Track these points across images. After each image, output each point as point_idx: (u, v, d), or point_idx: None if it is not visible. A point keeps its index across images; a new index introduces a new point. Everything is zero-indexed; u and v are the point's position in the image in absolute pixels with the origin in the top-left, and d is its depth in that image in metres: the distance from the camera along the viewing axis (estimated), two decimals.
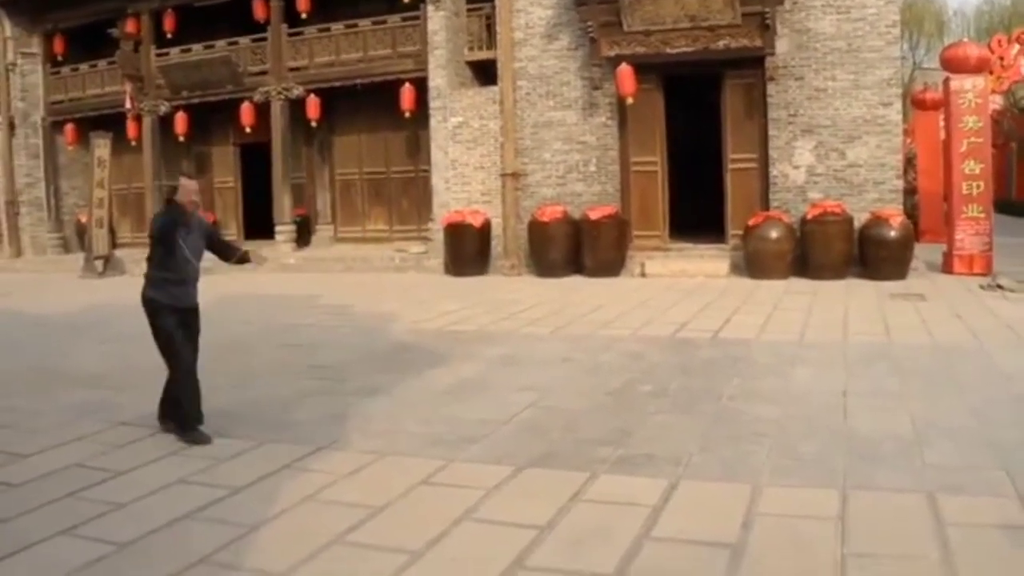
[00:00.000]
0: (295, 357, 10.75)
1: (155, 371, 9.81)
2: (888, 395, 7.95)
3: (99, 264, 22.80)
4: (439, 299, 15.39)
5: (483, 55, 20.98)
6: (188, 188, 7.50)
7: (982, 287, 14.85)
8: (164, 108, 24.45)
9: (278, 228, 23.13)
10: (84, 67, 26.53)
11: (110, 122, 24.92)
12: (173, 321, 7.31)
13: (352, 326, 13.02)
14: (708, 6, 16.89)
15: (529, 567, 4.60)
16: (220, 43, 23.38)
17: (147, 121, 24.77)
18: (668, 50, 17.59)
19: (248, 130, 23.29)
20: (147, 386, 9.06)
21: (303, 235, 23.99)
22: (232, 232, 26.09)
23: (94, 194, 23.08)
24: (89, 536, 5.18)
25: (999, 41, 18.61)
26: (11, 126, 26.90)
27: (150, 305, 7.29)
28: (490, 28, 20.75)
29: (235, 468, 6.35)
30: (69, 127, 26.31)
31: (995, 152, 30.23)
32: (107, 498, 5.81)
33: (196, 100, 24.11)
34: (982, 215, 16.96)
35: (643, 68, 17.92)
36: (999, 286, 14.69)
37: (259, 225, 24.88)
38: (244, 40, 23.29)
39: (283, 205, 23.11)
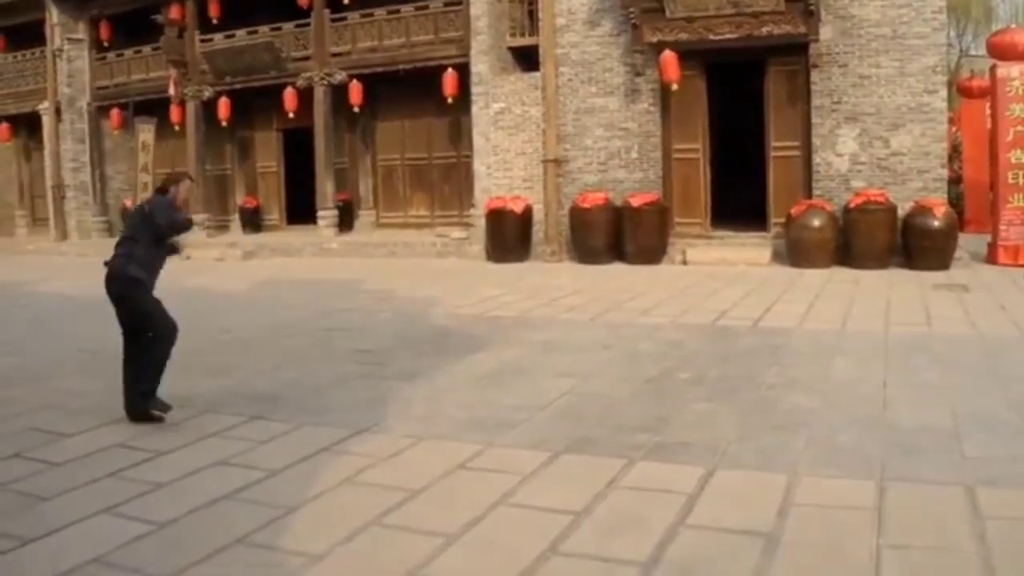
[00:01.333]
0: (336, 341, 10.80)
1: (195, 353, 9.95)
2: (928, 387, 7.88)
3: None
4: (480, 284, 15.42)
5: (525, 41, 20.96)
6: (191, 190, 7.96)
7: None
8: (208, 93, 24.69)
9: (320, 213, 23.26)
10: (129, 53, 26.88)
11: (154, 107, 25.24)
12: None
13: (393, 311, 13.08)
14: None
15: (563, 553, 4.61)
16: (263, 28, 23.58)
17: (191, 106, 25.02)
18: (711, 36, 17.50)
19: (291, 115, 23.43)
20: (188, 368, 9.17)
21: (345, 220, 24.11)
22: (274, 217, 26.31)
23: (138, 178, 23.41)
24: (129, 515, 5.24)
25: None
26: (57, 111, 27.28)
27: (138, 284, 7.39)
28: (532, 14, 20.73)
29: (274, 450, 6.41)
30: (114, 112, 26.61)
31: None
32: (148, 478, 5.88)
33: (239, 85, 24.34)
34: None
35: (685, 54, 17.85)
36: None
37: (301, 210, 25.06)
38: (287, 25, 23.46)
39: (325, 190, 23.24)
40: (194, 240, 23.71)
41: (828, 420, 6.85)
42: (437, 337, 10.85)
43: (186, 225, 7.56)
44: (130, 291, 7.37)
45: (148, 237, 7.36)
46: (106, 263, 7.41)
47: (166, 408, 7.25)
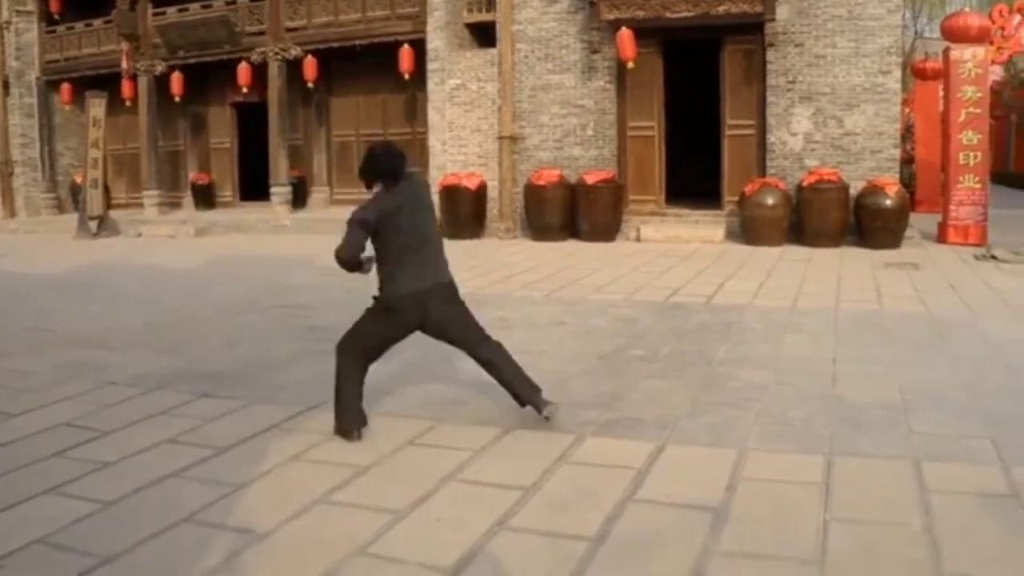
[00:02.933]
0: (288, 318, 10.74)
1: (145, 330, 9.88)
2: (878, 363, 7.95)
3: (93, 225, 22.74)
4: None
5: (482, 17, 20.84)
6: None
7: (976, 257, 14.84)
8: (160, 68, 24.37)
9: (274, 190, 23.06)
10: (80, 26, 26.42)
11: (106, 82, 24.83)
12: None
13: (346, 288, 12.95)
14: None
15: (512, 528, 4.62)
16: (218, 3, 23.32)
17: (143, 81, 24.69)
18: (668, 14, 17.48)
19: (245, 91, 23.23)
20: (138, 346, 9.13)
21: (299, 197, 23.95)
22: (228, 193, 26.08)
23: (89, 154, 23.03)
24: (75, 495, 5.20)
25: (1000, 11, 18.47)
26: (5, 85, 26.84)
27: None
28: None
29: (223, 428, 6.37)
30: (64, 87, 26.25)
31: (994, 124, 30.27)
32: (94, 457, 5.82)
33: (193, 60, 24.04)
34: (978, 186, 16.92)
35: (642, 32, 17.83)
36: (993, 257, 14.69)
37: (255, 187, 24.85)
38: (242, 0, 23.15)
39: (279, 167, 23.04)
40: (146, 216, 23.55)
41: (778, 396, 6.90)
42: None
43: None
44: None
45: None
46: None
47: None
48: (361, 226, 6.06)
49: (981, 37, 17.23)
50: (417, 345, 7.16)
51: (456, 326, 6.29)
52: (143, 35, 24.48)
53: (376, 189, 6.24)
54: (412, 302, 6.11)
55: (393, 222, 6.06)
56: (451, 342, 6.35)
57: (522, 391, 6.23)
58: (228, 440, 6.05)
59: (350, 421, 6.13)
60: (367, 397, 6.48)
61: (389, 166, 6.23)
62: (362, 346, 6.31)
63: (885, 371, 7.65)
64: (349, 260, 6.19)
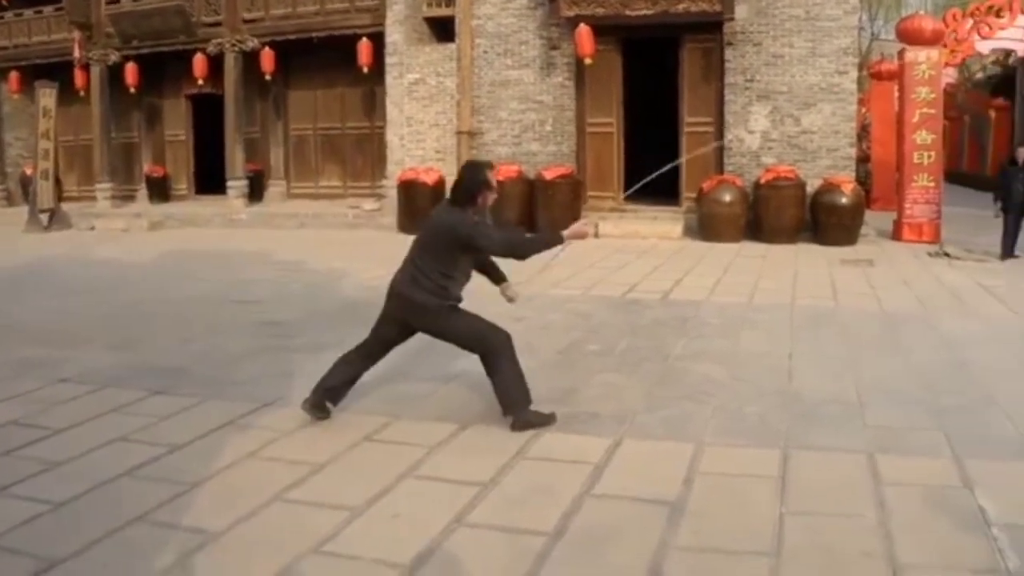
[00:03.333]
0: (244, 313, 10.64)
1: (98, 326, 9.77)
2: (833, 358, 8.03)
3: (44, 218, 22.43)
4: (391, 256, 15.20)
5: (441, 11, 20.81)
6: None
7: (930, 255, 15.01)
8: (114, 58, 24.07)
9: (230, 183, 22.90)
10: (29, 13, 26.02)
11: (57, 71, 24.49)
12: None
13: (303, 282, 12.94)
14: None
15: (469, 524, 4.60)
16: None
17: (96, 71, 24.36)
18: (627, 12, 17.53)
19: (200, 82, 23.01)
20: (90, 342, 9.02)
21: (255, 191, 23.78)
22: (183, 187, 25.84)
23: (39, 145, 22.72)
24: (25, 495, 5.10)
25: (954, 15, 18.71)
26: None
27: None
28: None
29: (177, 425, 6.29)
30: (13, 75, 25.85)
31: (948, 124, 30.55)
32: (44, 456, 5.72)
33: (147, 50, 23.79)
34: (932, 184, 17.11)
35: (602, 29, 17.85)
36: (946, 254, 14.86)
37: (211, 180, 24.64)
38: None
39: (235, 160, 22.88)
40: (98, 209, 23.27)
41: (735, 391, 6.94)
42: (347, 309, 10.75)
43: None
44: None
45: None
46: None
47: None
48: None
49: (935, 40, 17.44)
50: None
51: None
52: (96, 24, 24.14)
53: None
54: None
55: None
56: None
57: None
58: (182, 438, 5.97)
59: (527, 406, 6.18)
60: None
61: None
62: (493, 333, 6.33)
63: (840, 366, 7.73)
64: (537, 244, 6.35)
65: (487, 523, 4.61)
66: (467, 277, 6.36)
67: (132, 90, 24.17)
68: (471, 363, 6.70)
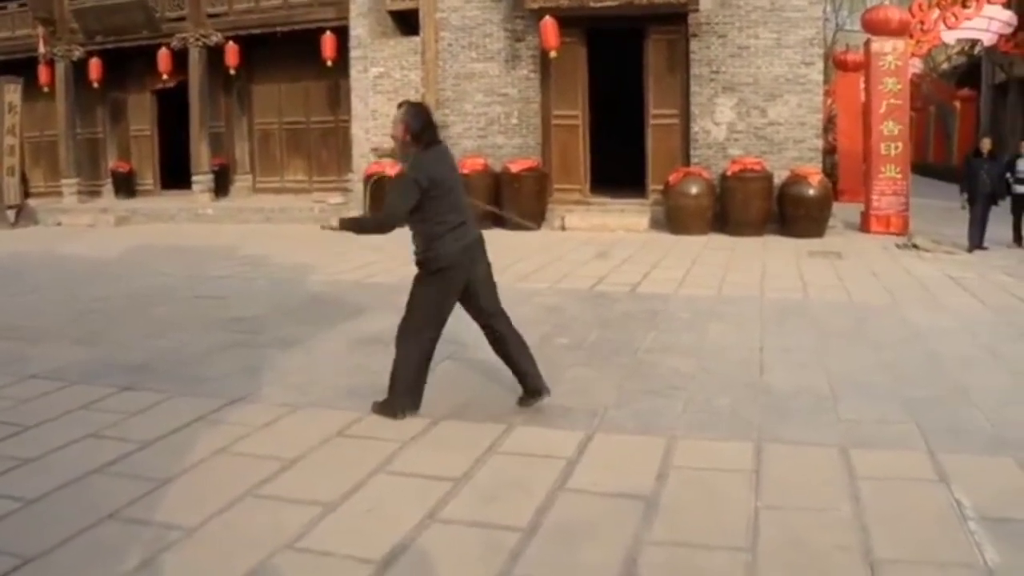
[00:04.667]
0: (211, 309, 10.57)
1: (66, 322, 9.68)
2: (803, 351, 8.06)
3: (11, 214, 22.30)
4: (357, 251, 15.23)
5: (405, 4, 20.72)
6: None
7: (898, 246, 15.13)
8: (78, 53, 23.86)
9: (195, 178, 22.75)
10: None
11: (21, 67, 24.17)
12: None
13: (269, 278, 12.88)
14: None
15: (443, 519, 4.59)
16: None
17: (60, 67, 24.15)
18: (592, 3, 17.51)
19: (165, 77, 22.85)
20: (58, 338, 8.94)
21: (221, 185, 23.66)
22: (148, 182, 25.65)
23: (4, 141, 22.53)
24: None
25: (920, 5, 18.81)
26: None
27: None
28: None
29: (146, 422, 6.24)
30: None
31: (915, 115, 30.80)
32: (14, 453, 5.66)
33: (111, 45, 23.58)
34: (899, 176, 17.23)
35: (566, 21, 17.84)
36: (914, 245, 14.97)
37: (176, 175, 24.46)
38: None
39: (201, 155, 22.73)
40: (65, 205, 23.08)
41: (705, 384, 6.96)
42: (313, 304, 10.71)
43: None
44: None
45: None
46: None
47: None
48: (415, 185, 5.93)
49: (901, 30, 17.57)
50: (335, 337, 7.09)
51: (490, 284, 6.37)
52: (59, 19, 23.91)
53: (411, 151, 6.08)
54: (463, 256, 6.10)
55: (444, 182, 6.02)
56: (476, 306, 6.33)
57: (528, 369, 6.33)
58: (152, 434, 5.93)
59: (402, 403, 6.18)
60: (298, 388, 6.41)
61: (433, 125, 6.20)
62: (424, 323, 6.19)
63: (811, 358, 7.76)
64: (397, 218, 6.09)
65: (460, 519, 4.60)
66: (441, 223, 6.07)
67: (96, 85, 23.92)
68: (439, 356, 6.69)
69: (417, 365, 6.21)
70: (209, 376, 7.47)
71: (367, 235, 6.34)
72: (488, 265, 6.33)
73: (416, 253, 6.18)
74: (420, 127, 6.06)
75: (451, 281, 6.10)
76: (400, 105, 6.27)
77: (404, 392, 6.19)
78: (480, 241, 6.26)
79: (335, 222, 6.31)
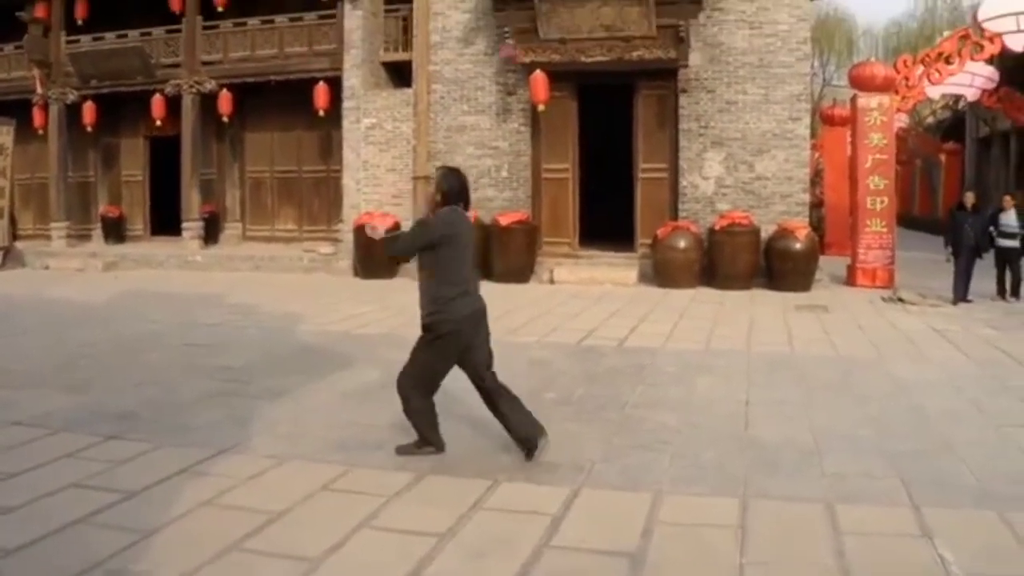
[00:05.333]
0: (199, 358, 10.55)
1: (51, 368, 9.66)
2: (790, 405, 8.09)
3: None
4: (347, 301, 15.30)
5: (399, 56, 20.96)
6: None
7: (884, 300, 15.21)
8: (72, 97, 23.93)
9: (185, 225, 22.79)
10: None
11: (14, 108, 24.22)
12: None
13: (258, 327, 12.87)
14: (624, 17, 16.99)
15: (428, 575, 4.58)
16: (133, 33, 22.99)
17: (54, 109, 24.22)
18: (583, 59, 17.66)
19: (158, 123, 22.89)
20: (43, 384, 8.91)
21: (211, 232, 23.67)
22: (138, 227, 25.64)
23: None
24: None
25: (905, 62, 19.04)
26: None
27: None
28: (407, 30, 20.75)
29: (132, 471, 6.21)
30: None
31: (900, 169, 31.01)
32: None
33: (106, 90, 23.66)
34: (885, 229, 17.35)
35: (557, 76, 17.99)
36: (900, 299, 15.05)
37: (166, 221, 24.50)
38: (158, 31, 22.96)
39: (191, 201, 22.77)
40: (53, 249, 23.04)
41: (692, 439, 6.97)
42: (302, 354, 10.71)
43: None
44: None
45: None
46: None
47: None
48: (427, 230, 6.37)
49: (887, 86, 17.75)
50: (313, 390, 7.08)
51: (487, 348, 6.61)
52: (55, 62, 24.04)
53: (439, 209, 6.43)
54: (468, 323, 6.36)
55: (460, 236, 6.37)
56: (474, 366, 6.50)
57: (520, 419, 6.45)
58: (138, 484, 5.91)
59: (435, 439, 6.59)
60: (286, 440, 6.41)
61: (465, 190, 6.55)
62: (422, 381, 6.50)
63: (797, 412, 7.79)
64: (403, 253, 6.91)
65: (445, 575, 4.60)
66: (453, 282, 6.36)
67: (90, 129, 23.98)
68: None
69: (426, 408, 6.53)
70: (196, 425, 7.46)
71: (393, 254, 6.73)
72: (488, 331, 6.62)
73: (425, 315, 6.34)
74: (456, 189, 6.43)
75: (453, 346, 6.33)
76: (438, 168, 6.78)
77: (429, 429, 6.52)
78: (484, 310, 6.56)
79: (382, 231, 6.88)
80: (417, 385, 6.46)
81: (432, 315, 6.29)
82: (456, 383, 6.80)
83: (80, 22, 23.31)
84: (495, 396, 6.47)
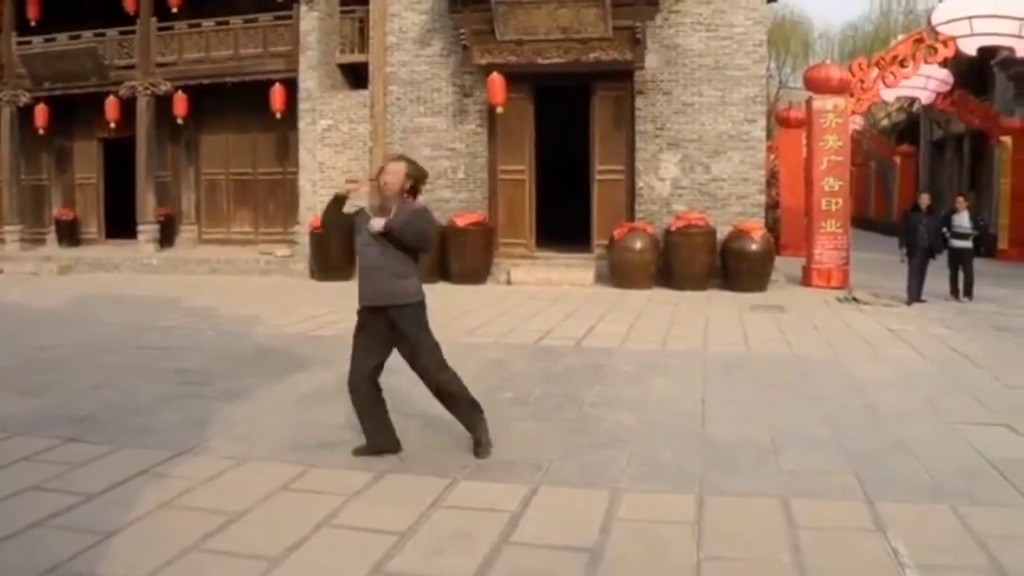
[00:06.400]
0: (156, 360, 10.50)
1: (7, 372, 9.58)
2: (746, 404, 8.16)
3: None
4: (304, 303, 15.27)
5: (355, 58, 20.94)
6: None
7: (839, 300, 15.37)
8: (24, 99, 23.70)
9: (141, 228, 22.62)
10: None
11: None
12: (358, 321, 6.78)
13: (215, 329, 12.83)
14: (580, 19, 17.07)
15: (388, 573, 4.61)
16: (86, 34, 22.78)
17: (5, 112, 23.99)
18: (540, 60, 17.72)
19: (112, 125, 22.67)
20: (1, 388, 8.83)
21: (166, 235, 23.50)
22: (93, 230, 25.43)
23: None
24: None
25: (860, 64, 19.19)
26: None
27: None
28: (363, 31, 20.72)
29: (90, 474, 6.19)
30: None
31: (855, 170, 31.35)
32: None
33: (59, 92, 23.43)
34: (840, 230, 17.54)
35: (514, 77, 18.05)
36: (855, 299, 15.23)
37: (121, 224, 24.30)
38: (111, 32, 22.78)
39: (146, 204, 22.63)
40: (6, 253, 22.81)
41: (649, 437, 7.03)
42: (260, 356, 10.69)
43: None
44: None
45: None
46: None
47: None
48: (433, 219, 6.87)
49: (842, 88, 17.92)
50: (271, 392, 7.06)
51: None
52: (7, 64, 23.78)
53: (406, 200, 6.63)
54: None
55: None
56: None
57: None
58: (96, 486, 5.89)
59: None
60: (244, 441, 6.40)
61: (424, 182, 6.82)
62: (442, 357, 6.72)
63: (752, 411, 7.87)
64: (430, 250, 7.08)
65: (405, 572, 4.63)
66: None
67: (42, 132, 23.73)
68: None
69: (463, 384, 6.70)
70: (155, 428, 7.43)
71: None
72: None
73: (415, 293, 6.63)
74: (421, 179, 6.72)
75: None
76: (399, 158, 6.85)
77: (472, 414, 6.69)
78: None
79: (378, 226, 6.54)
80: (445, 364, 6.65)
81: (420, 292, 6.61)
82: (413, 384, 6.82)
83: (32, 23, 23.03)
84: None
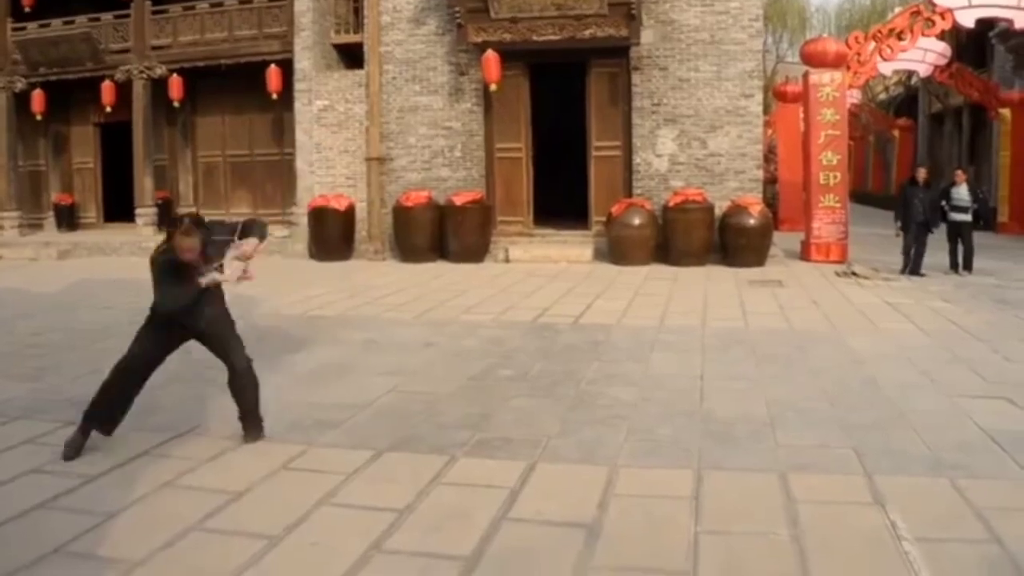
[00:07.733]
0: None
1: (6, 357, 9.60)
2: (744, 378, 8.18)
3: None
4: (302, 284, 15.26)
5: (350, 38, 20.88)
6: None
7: (837, 274, 15.37)
8: (20, 85, 23.68)
9: (139, 211, 22.66)
10: None
11: None
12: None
13: None
14: None
15: (387, 550, 4.64)
16: (81, 19, 22.72)
17: (2, 98, 23.98)
18: (535, 38, 17.68)
19: (109, 109, 22.62)
20: (0, 373, 8.84)
21: (164, 218, 23.40)
22: (91, 215, 25.43)
23: None
24: None
25: (857, 38, 19.13)
26: None
27: None
28: (357, 11, 20.66)
29: (91, 456, 6.21)
30: None
31: (853, 145, 31.31)
32: None
33: (55, 77, 23.40)
34: (838, 205, 17.52)
35: (509, 55, 17.99)
36: (854, 273, 15.22)
37: (120, 208, 24.34)
38: (106, 16, 22.70)
39: (144, 188, 22.63)
40: (5, 239, 22.82)
41: (647, 413, 7.05)
42: (259, 337, 10.64)
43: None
44: None
45: None
46: None
47: None
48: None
49: (839, 62, 17.88)
50: (270, 372, 7.05)
51: None
52: (2, 50, 23.74)
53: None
54: None
55: None
56: None
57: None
58: (97, 468, 5.92)
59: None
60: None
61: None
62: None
63: (751, 386, 7.88)
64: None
65: (404, 549, 4.65)
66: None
67: (39, 117, 23.70)
68: (382, 389, 6.73)
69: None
70: (154, 410, 7.42)
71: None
72: None
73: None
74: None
75: None
76: (185, 226, 6.61)
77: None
78: None
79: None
80: None
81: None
82: (412, 362, 6.83)
83: (27, 9, 22.94)
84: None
